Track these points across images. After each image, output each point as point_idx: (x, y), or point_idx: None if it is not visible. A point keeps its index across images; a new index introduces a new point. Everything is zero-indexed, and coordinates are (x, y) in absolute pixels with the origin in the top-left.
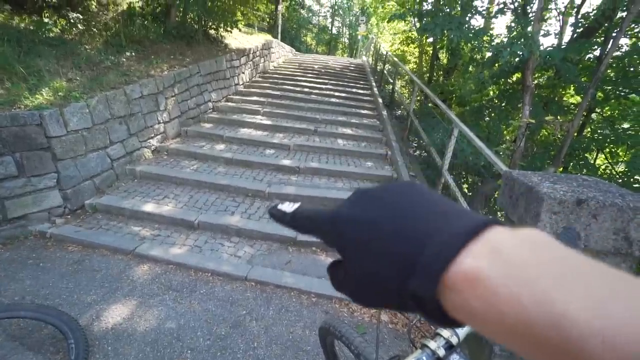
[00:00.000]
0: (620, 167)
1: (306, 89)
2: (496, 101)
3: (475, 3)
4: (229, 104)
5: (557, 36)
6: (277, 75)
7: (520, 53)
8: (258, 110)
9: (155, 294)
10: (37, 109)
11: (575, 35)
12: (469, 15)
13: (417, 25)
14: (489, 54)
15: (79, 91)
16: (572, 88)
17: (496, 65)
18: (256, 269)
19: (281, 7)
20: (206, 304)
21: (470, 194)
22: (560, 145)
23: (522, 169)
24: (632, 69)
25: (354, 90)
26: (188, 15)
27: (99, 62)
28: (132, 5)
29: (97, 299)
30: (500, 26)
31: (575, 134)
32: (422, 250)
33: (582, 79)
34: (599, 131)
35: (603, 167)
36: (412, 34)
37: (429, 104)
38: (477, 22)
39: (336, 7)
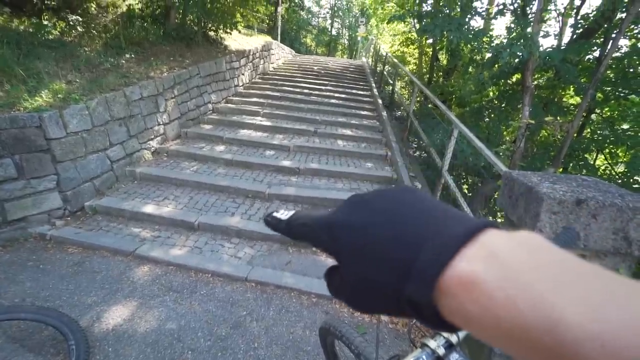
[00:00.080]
0: (620, 168)
1: (306, 90)
2: (496, 102)
3: (474, 4)
4: (229, 105)
5: (556, 37)
6: (276, 77)
7: (520, 54)
8: (258, 112)
9: (156, 295)
10: (36, 111)
11: (574, 36)
12: (469, 16)
13: (417, 26)
14: (488, 55)
15: (78, 93)
16: (571, 89)
17: (496, 66)
18: (256, 269)
19: (281, 9)
20: (207, 305)
21: (470, 194)
22: (560, 145)
23: (522, 169)
24: (631, 70)
25: (353, 91)
26: (187, 17)
27: (99, 64)
28: (131, 7)
29: (97, 301)
30: (500, 27)
31: (575, 134)
32: (418, 255)
33: (582, 80)
34: (598, 132)
35: (603, 167)
36: (412, 35)
37: (429, 105)
38: (477, 23)
39: (336, 9)
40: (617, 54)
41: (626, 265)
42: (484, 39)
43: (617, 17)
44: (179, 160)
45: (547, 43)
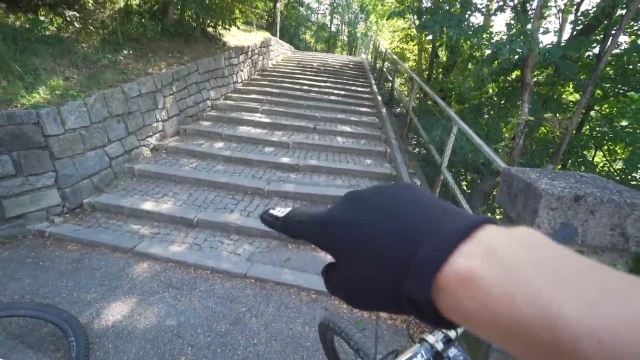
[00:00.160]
0: (618, 165)
1: (305, 87)
2: (495, 99)
3: (474, 0)
4: (228, 102)
5: (556, 34)
6: (276, 73)
7: (520, 50)
8: (257, 108)
9: (155, 291)
10: (34, 107)
11: (574, 32)
12: (469, 12)
13: (417, 22)
14: (488, 52)
15: (76, 89)
16: (571, 86)
17: (495, 62)
18: (256, 266)
19: (280, 5)
20: (206, 301)
21: (469, 191)
22: (559, 142)
23: (521, 166)
24: (631, 67)
25: (353, 87)
26: (186, 13)
27: (96, 61)
28: (129, 2)
29: (96, 297)
30: (500, 24)
31: (574, 131)
32: (415, 252)
33: (581, 77)
34: (597, 129)
35: (601, 164)
36: (412, 32)
37: (428, 102)
38: (477, 19)
39: (335, 5)
40: (617, 51)
41: (623, 261)
42: (484, 36)
43: (617, 14)
44: (178, 157)
45: (547, 40)
